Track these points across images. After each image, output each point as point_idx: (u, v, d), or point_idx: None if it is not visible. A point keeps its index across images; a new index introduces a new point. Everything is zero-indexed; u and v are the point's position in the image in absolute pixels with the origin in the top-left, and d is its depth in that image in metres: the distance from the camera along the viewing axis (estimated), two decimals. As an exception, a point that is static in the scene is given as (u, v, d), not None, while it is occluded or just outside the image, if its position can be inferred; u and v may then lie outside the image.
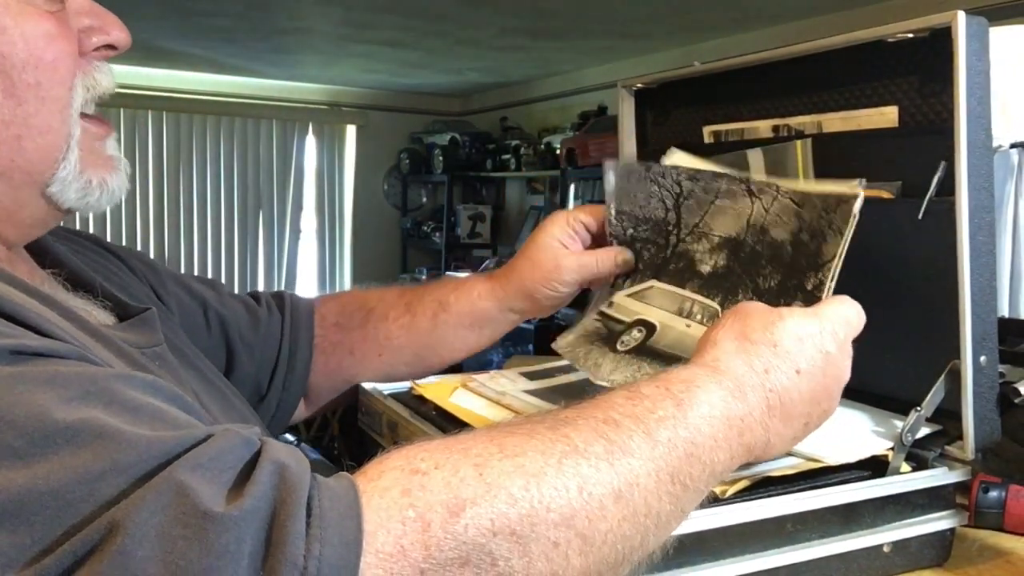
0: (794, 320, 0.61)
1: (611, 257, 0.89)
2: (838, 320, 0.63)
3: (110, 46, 0.67)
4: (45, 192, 0.64)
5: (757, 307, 0.63)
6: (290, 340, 0.93)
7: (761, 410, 0.58)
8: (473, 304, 0.93)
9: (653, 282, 0.86)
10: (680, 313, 0.82)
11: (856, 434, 0.72)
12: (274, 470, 0.43)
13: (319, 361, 0.95)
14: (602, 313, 0.88)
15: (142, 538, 0.39)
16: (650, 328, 0.82)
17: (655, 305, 0.84)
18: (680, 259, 0.85)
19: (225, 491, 0.42)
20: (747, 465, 0.64)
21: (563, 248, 0.90)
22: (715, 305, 0.79)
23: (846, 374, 0.63)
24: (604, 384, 0.79)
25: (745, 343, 0.60)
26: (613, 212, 0.90)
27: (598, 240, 0.92)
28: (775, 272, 0.76)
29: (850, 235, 0.69)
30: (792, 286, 0.72)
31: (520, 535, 0.45)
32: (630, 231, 0.89)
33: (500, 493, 0.45)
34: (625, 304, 0.87)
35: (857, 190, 0.70)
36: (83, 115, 0.65)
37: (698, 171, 0.84)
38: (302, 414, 0.98)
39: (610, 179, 0.91)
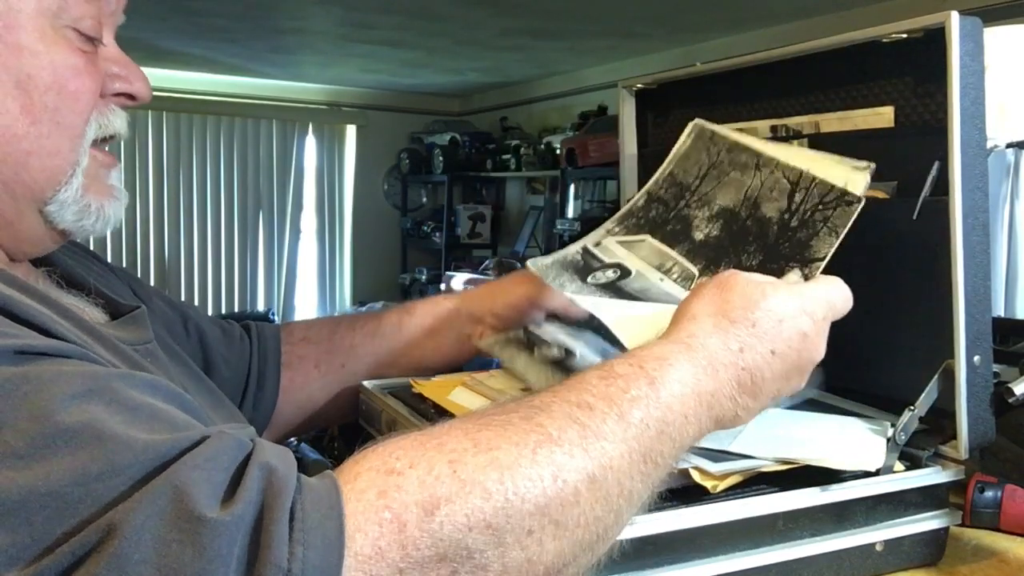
0: (776, 299, 0.62)
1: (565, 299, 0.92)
2: (821, 301, 0.63)
3: (130, 96, 0.71)
4: (43, 210, 0.66)
5: (740, 280, 0.63)
6: (259, 361, 0.94)
7: (732, 386, 0.59)
8: (435, 305, 0.98)
9: (647, 237, 0.87)
10: (659, 268, 0.83)
11: (853, 436, 0.72)
12: (262, 475, 0.44)
13: (284, 377, 0.96)
14: (585, 249, 0.89)
15: (138, 541, 0.40)
16: (625, 272, 0.83)
17: (639, 256, 0.85)
18: (679, 222, 0.86)
19: (219, 494, 0.43)
20: (738, 457, 0.64)
21: (530, 281, 0.95)
22: (693, 269, 0.80)
23: (819, 355, 0.64)
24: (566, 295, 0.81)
25: (723, 320, 0.61)
26: (665, 171, 0.92)
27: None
28: (758, 251, 0.76)
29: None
30: (772, 271, 0.72)
31: (495, 527, 0.46)
32: (661, 191, 0.91)
33: (475, 489, 0.46)
34: (611, 247, 0.88)
35: (861, 188, 0.70)
36: (93, 144, 0.68)
37: (736, 143, 0.84)
38: (286, 436, 0.99)
39: (685, 139, 0.92)
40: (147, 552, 0.40)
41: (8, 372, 0.45)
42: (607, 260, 0.86)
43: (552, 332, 0.89)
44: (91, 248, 0.88)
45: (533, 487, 0.47)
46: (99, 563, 0.39)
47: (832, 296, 0.64)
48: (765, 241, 0.75)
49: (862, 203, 0.69)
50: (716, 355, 0.59)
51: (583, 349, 0.82)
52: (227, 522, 0.41)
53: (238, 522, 0.41)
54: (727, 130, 0.88)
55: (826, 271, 0.69)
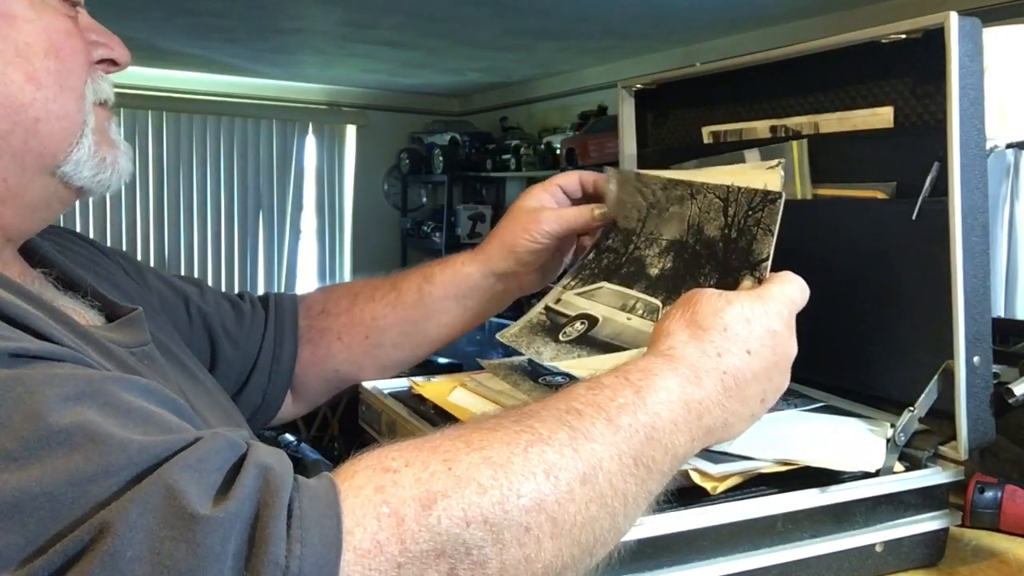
0: (740, 303, 0.63)
1: (588, 210, 0.91)
2: (783, 299, 0.65)
3: (112, 62, 0.71)
4: (57, 172, 0.67)
5: (703, 293, 0.65)
6: (275, 333, 0.94)
7: (717, 392, 0.60)
8: (456, 271, 0.95)
9: (603, 283, 0.89)
10: (623, 308, 0.84)
11: (853, 437, 0.72)
12: (258, 473, 0.44)
13: (306, 351, 0.95)
14: (548, 308, 0.90)
15: (131, 539, 0.40)
16: (592, 321, 0.85)
17: (601, 302, 0.87)
18: (632, 264, 0.88)
19: (212, 493, 0.43)
20: (737, 458, 0.64)
21: (541, 206, 0.93)
22: (656, 301, 0.82)
23: (793, 349, 0.65)
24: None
25: (697, 330, 0.62)
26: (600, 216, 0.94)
27: (576, 203, 0.95)
28: (713, 271, 0.78)
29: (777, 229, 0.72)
30: (729, 284, 0.74)
31: (492, 522, 0.46)
32: (608, 242, 0.93)
33: (470, 484, 0.47)
34: (572, 301, 0.89)
35: (778, 184, 0.74)
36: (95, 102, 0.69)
37: (668, 180, 0.86)
38: (290, 410, 0.98)
39: (611, 188, 0.93)
40: (140, 549, 0.40)
41: (2, 374, 0.45)
42: (571, 313, 0.87)
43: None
44: (79, 232, 0.88)
45: (527, 482, 0.48)
46: (92, 561, 0.39)
47: (788, 291, 0.66)
48: (716, 259, 0.78)
49: (783, 197, 0.72)
50: (697, 363, 0.60)
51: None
52: (220, 519, 0.41)
53: (232, 519, 0.41)
54: (653, 171, 0.90)
55: (816, 271, 0.70)
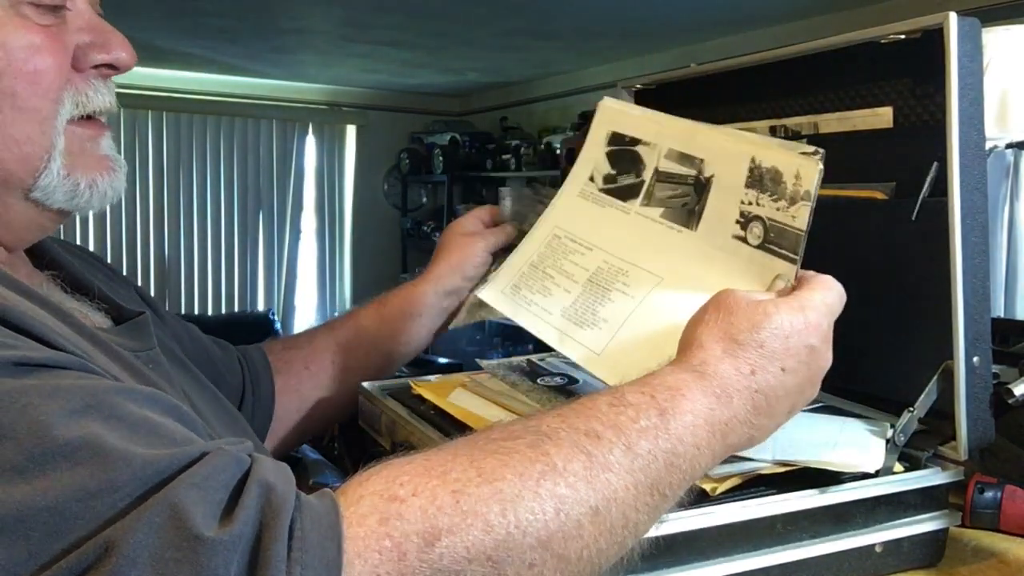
0: (780, 317, 0.60)
1: (511, 228, 1.01)
2: (823, 309, 0.62)
3: (111, 66, 0.66)
4: (29, 196, 0.64)
5: (740, 302, 0.61)
6: (250, 370, 0.95)
7: (746, 411, 0.58)
8: (409, 292, 1.00)
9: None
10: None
11: (852, 437, 0.72)
12: (260, 492, 0.44)
13: (278, 381, 0.97)
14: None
15: (135, 559, 0.40)
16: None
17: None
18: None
19: (217, 512, 0.43)
20: (737, 459, 0.64)
21: (475, 231, 1.01)
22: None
23: (828, 363, 0.63)
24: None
25: (732, 345, 0.59)
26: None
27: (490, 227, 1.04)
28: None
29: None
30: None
31: (495, 560, 0.46)
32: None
33: (476, 521, 0.46)
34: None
35: (814, 179, 0.66)
36: (73, 120, 0.64)
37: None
38: (289, 444, 1.00)
39: (506, 204, 1.02)
40: (144, 570, 0.40)
41: (7, 385, 0.45)
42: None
43: (556, 363, 0.92)
44: (92, 251, 0.88)
45: (535, 520, 0.47)
46: None
47: (828, 299, 0.63)
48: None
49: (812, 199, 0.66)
50: (729, 381, 0.58)
51: (586, 377, 0.83)
52: (225, 541, 0.41)
53: (236, 541, 0.41)
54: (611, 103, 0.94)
55: (815, 271, 0.68)
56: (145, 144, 5.43)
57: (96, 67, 0.65)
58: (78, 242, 0.90)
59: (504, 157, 5.37)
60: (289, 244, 5.91)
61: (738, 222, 0.71)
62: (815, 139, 0.84)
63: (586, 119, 4.88)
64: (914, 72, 0.75)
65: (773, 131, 0.89)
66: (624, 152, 0.86)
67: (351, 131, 6.09)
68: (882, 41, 0.74)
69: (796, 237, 0.65)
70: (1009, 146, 0.84)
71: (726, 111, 0.95)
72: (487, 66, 4.89)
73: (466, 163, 5.58)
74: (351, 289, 6.18)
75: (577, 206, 0.86)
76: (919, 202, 0.72)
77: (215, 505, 0.43)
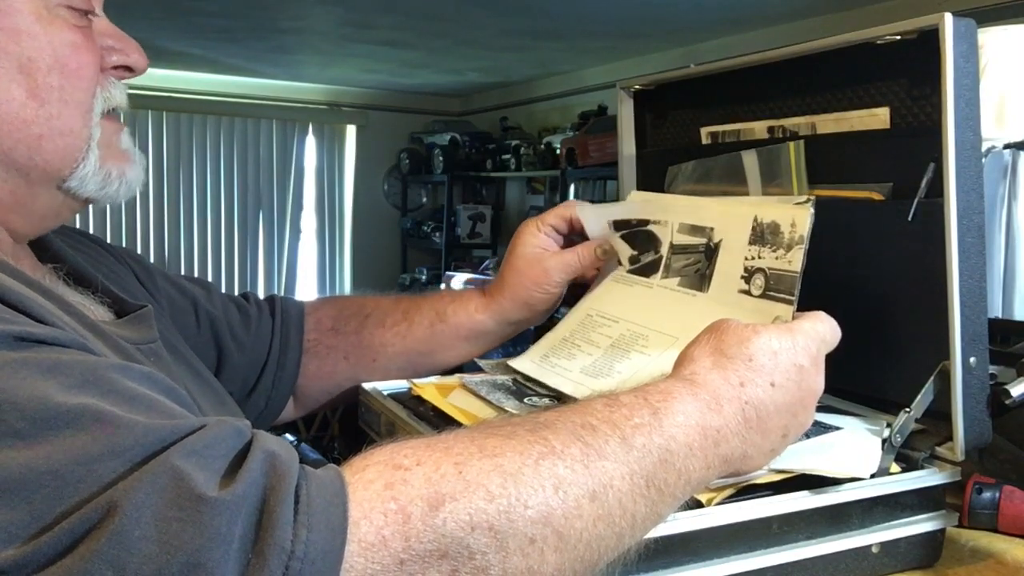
0: (768, 335, 0.62)
1: (590, 251, 0.93)
2: (812, 336, 0.64)
3: (127, 68, 0.71)
4: (63, 186, 0.67)
5: (731, 323, 0.64)
6: (280, 340, 0.95)
7: (737, 421, 0.59)
8: (470, 317, 0.96)
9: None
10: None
11: (847, 443, 0.72)
12: (264, 458, 0.45)
13: (312, 364, 0.96)
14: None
15: (138, 519, 0.40)
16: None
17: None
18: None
19: (218, 477, 0.43)
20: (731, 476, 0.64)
21: (544, 251, 0.94)
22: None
23: (820, 388, 0.64)
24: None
25: (721, 358, 0.61)
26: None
27: (569, 238, 0.97)
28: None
29: None
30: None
31: (497, 530, 0.46)
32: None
33: (479, 490, 0.47)
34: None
35: (807, 225, 0.71)
36: (102, 115, 0.68)
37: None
38: (291, 414, 0.99)
39: (588, 215, 0.95)
40: (148, 529, 0.40)
41: (8, 356, 0.46)
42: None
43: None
44: (91, 233, 0.89)
45: (535, 494, 0.48)
46: (100, 539, 0.40)
47: (819, 328, 0.65)
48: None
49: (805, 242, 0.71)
50: (719, 390, 0.59)
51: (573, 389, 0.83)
52: (227, 501, 0.41)
53: (239, 502, 0.42)
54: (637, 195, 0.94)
55: (812, 272, 0.70)
56: (145, 144, 5.43)
57: (115, 68, 0.70)
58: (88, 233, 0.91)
59: (504, 157, 5.37)
60: (289, 244, 5.92)
61: (743, 277, 0.77)
62: (812, 139, 0.84)
63: (586, 119, 4.87)
64: (911, 73, 0.75)
65: (771, 131, 0.89)
66: (639, 233, 0.92)
67: (351, 131, 6.09)
68: (878, 42, 0.74)
69: (792, 279, 0.71)
70: (1007, 146, 0.84)
71: (725, 111, 0.96)
72: (487, 66, 4.90)
73: (466, 163, 5.58)
74: (351, 289, 6.18)
75: (610, 289, 0.93)
76: (915, 203, 0.72)
77: (216, 470, 0.43)
